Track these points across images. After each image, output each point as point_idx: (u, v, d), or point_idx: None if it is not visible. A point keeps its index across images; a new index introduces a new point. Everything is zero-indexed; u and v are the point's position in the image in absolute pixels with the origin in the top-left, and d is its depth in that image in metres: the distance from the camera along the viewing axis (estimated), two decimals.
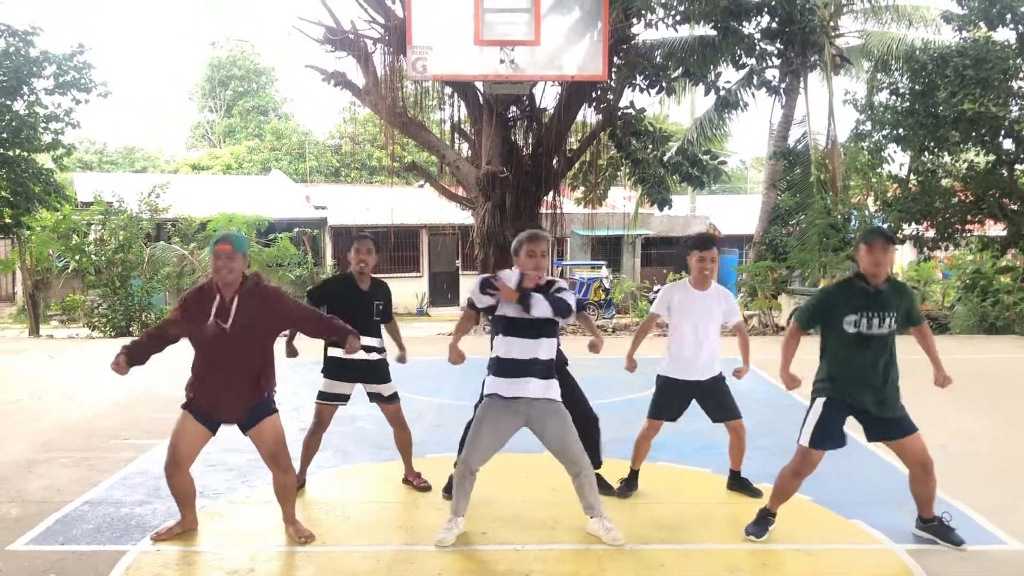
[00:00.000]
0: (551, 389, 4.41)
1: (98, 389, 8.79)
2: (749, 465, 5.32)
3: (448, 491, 5.00)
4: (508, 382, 4.37)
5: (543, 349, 4.36)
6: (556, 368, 4.54)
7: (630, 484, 5.25)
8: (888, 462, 5.62)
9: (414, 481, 5.43)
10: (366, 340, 5.10)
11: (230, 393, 4.29)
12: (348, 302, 5.14)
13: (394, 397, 5.36)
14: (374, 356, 5.22)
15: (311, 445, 5.38)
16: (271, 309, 4.31)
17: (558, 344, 4.60)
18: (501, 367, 4.40)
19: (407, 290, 24.30)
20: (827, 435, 4.33)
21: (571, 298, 4.36)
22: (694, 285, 5.09)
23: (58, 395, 8.55)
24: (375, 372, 5.27)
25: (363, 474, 5.71)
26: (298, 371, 5.30)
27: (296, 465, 5.06)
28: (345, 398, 5.31)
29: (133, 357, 4.33)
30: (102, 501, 5.11)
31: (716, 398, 5.13)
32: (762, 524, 4.53)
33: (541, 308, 4.23)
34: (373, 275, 5.32)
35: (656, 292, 23.99)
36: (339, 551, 4.37)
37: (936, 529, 4.47)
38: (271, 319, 4.32)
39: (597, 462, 4.98)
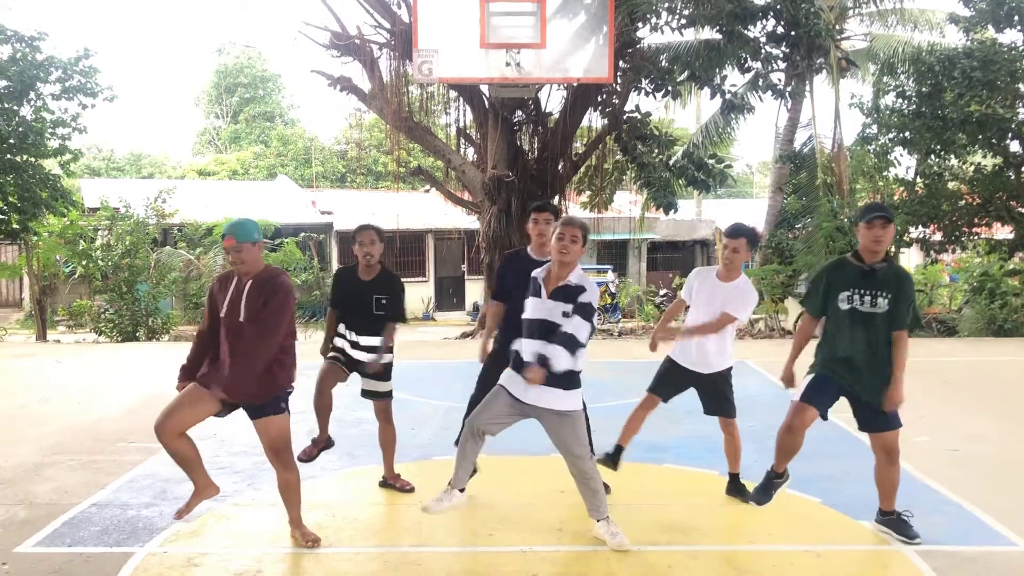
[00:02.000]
0: (560, 400, 4.13)
1: (105, 393, 8.81)
2: (757, 468, 5.26)
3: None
4: (512, 377, 4.20)
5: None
6: None
7: (614, 460, 4.99)
8: None
9: (395, 483, 5.34)
10: (365, 339, 4.98)
11: (241, 373, 4.16)
12: (347, 294, 4.99)
13: (388, 395, 5.18)
14: (374, 356, 4.98)
15: (321, 406, 5.08)
16: (264, 304, 4.21)
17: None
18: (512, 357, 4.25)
19: (413, 295, 24.31)
20: (817, 395, 4.37)
21: (583, 330, 4.04)
22: (719, 275, 4.88)
23: (65, 399, 8.56)
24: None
25: (370, 476, 5.69)
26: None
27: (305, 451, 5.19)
28: (344, 356, 5.04)
29: (194, 371, 4.30)
30: (109, 503, 5.11)
31: (715, 391, 4.95)
32: (767, 488, 4.60)
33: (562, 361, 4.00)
34: (384, 268, 5.09)
35: (663, 295, 23.75)
36: (346, 553, 4.36)
37: (894, 523, 4.47)
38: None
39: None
